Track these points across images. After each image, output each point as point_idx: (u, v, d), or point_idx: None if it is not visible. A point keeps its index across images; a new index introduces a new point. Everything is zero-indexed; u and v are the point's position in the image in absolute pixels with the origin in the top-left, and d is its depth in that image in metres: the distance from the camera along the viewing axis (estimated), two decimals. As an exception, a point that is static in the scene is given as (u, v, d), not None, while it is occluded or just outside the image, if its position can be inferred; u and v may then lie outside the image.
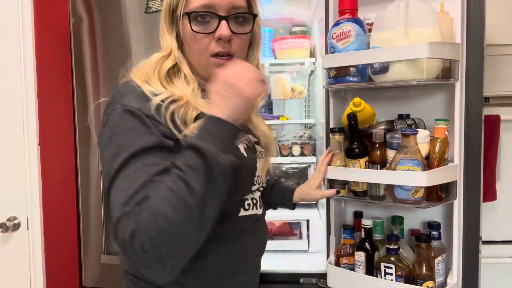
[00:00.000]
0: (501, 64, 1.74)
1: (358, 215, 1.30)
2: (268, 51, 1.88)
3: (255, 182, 0.91)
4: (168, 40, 0.85)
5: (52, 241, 1.58)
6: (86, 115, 1.58)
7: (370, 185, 1.19)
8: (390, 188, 1.14)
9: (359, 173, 1.17)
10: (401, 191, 1.11)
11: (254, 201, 0.91)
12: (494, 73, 1.73)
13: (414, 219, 1.32)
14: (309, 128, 2.09)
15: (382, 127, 1.21)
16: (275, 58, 1.88)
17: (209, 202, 0.68)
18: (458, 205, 1.17)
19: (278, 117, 1.93)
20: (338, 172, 1.20)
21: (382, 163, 1.16)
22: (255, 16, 0.86)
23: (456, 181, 1.15)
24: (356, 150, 1.17)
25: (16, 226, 1.46)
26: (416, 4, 1.08)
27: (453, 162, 1.16)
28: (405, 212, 1.29)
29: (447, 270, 1.20)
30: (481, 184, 1.18)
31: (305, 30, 1.95)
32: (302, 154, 1.82)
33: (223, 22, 0.80)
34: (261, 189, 0.96)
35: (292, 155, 1.83)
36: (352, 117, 1.16)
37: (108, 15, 1.56)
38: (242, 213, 0.87)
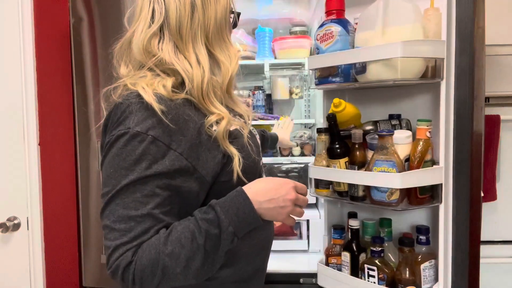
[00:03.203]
0: (501, 64, 1.74)
1: (351, 216, 1.29)
2: (268, 51, 1.88)
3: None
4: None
5: (52, 241, 1.58)
6: (86, 115, 1.58)
7: (350, 185, 1.18)
8: (367, 189, 1.13)
9: (338, 173, 1.16)
10: (377, 193, 1.09)
11: None
12: (494, 73, 1.73)
13: (406, 222, 1.28)
14: (309, 128, 2.09)
15: (369, 127, 1.20)
16: (275, 58, 1.89)
17: (209, 264, 0.72)
18: (444, 209, 1.11)
19: (278, 117, 1.93)
20: (320, 172, 1.21)
21: (362, 164, 1.14)
22: None
23: (441, 184, 1.10)
24: (337, 150, 1.16)
25: (16, 226, 1.46)
26: (396, 2, 1.05)
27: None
28: (397, 215, 1.26)
29: (437, 277, 1.15)
30: (469, 188, 1.11)
31: (305, 30, 1.95)
32: (302, 154, 1.82)
33: None
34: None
35: (292, 155, 1.83)
36: (331, 117, 1.16)
37: (108, 15, 1.56)
38: None
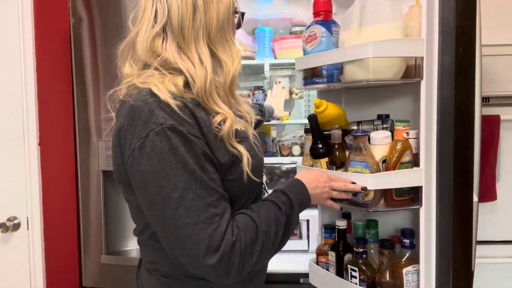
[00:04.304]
0: (501, 64, 1.74)
1: (344, 216, 1.29)
2: (268, 51, 1.88)
3: None
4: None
5: (52, 241, 1.58)
6: (86, 115, 1.58)
7: None
8: None
9: None
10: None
11: (263, 186, 0.96)
12: (494, 73, 1.73)
13: (395, 225, 1.26)
14: (309, 128, 2.09)
15: (354, 127, 1.19)
16: (275, 58, 1.89)
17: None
18: (425, 212, 1.06)
19: (278, 119, 1.93)
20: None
21: (342, 164, 1.13)
22: None
23: (421, 186, 1.05)
24: (318, 150, 1.16)
25: (16, 226, 1.46)
26: (373, 2, 1.04)
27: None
28: (384, 217, 1.24)
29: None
30: (452, 190, 1.06)
31: (305, 30, 1.96)
32: (302, 154, 1.82)
33: None
34: None
35: (292, 155, 1.83)
36: (312, 118, 1.16)
37: (108, 15, 1.56)
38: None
